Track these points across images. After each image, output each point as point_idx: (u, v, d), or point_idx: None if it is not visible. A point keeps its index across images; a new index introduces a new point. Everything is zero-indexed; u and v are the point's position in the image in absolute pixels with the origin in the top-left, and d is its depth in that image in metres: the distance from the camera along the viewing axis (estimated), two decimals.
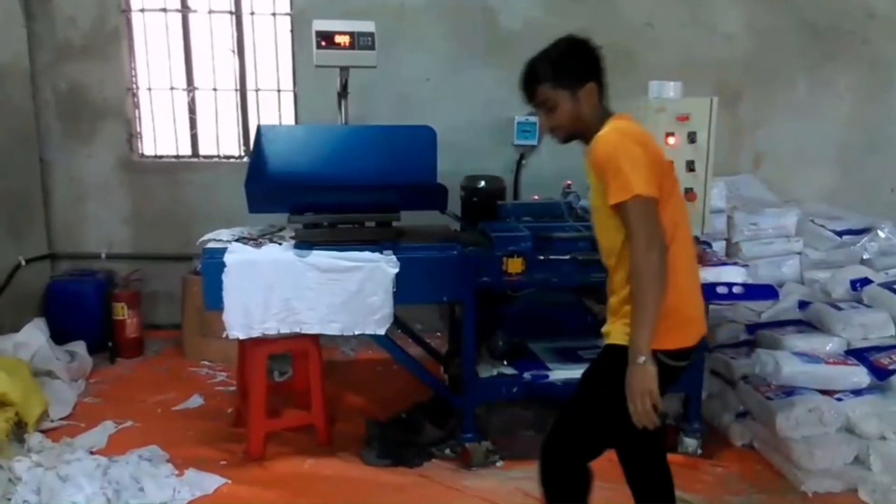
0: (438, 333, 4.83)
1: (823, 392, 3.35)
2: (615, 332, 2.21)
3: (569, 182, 4.21)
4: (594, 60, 2.28)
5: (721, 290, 3.14)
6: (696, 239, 3.52)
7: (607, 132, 2.15)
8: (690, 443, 3.52)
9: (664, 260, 2.05)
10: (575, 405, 2.35)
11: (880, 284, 3.90)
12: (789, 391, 3.37)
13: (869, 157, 5.38)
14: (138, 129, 5.20)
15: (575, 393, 2.36)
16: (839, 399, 3.32)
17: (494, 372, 3.50)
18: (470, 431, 3.43)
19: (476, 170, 4.37)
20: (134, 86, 5.13)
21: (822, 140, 5.35)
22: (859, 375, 3.37)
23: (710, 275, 3.17)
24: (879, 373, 3.35)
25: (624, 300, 2.16)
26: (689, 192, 3.46)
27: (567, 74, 2.24)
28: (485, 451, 3.42)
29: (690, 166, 3.46)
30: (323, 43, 3.68)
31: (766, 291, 3.19)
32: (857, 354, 3.48)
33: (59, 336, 4.37)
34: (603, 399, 2.21)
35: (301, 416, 3.70)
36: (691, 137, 3.44)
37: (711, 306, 3.43)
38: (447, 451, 3.52)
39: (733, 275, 3.20)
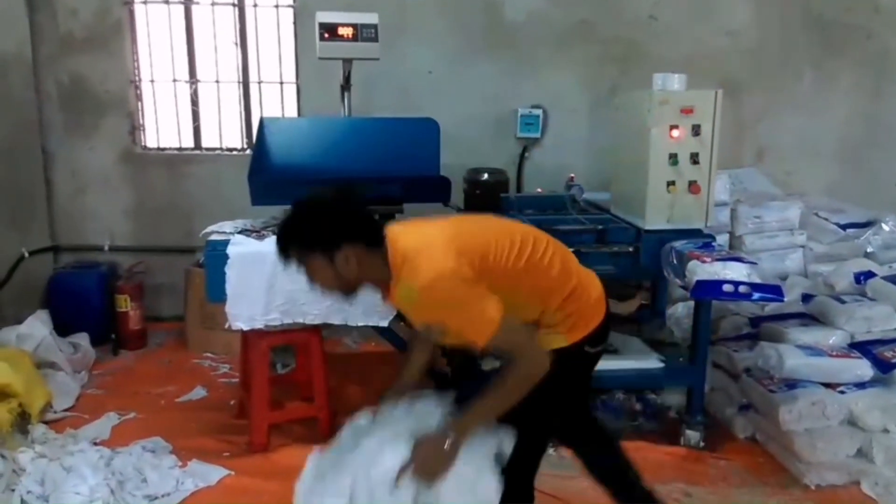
0: None
1: (826, 385, 3.35)
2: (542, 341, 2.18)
3: (572, 175, 4.22)
4: (344, 223, 2.06)
5: (727, 287, 3.09)
6: (699, 232, 3.53)
7: (421, 283, 1.97)
8: (693, 435, 3.53)
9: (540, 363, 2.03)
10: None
11: (884, 278, 3.89)
12: (792, 384, 3.36)
13: (873, 151, 5.36)
14: (141, 122, 5.19)
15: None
16: (842, 392, 3.32)
17: (497, 364, 3.49)
18: None
19: (479, 162, 4.37)
20: (136, 78, 5.13)
21: (827, 133, 5.34)
22: (862, 368, 3.36)
23: (716, 268, 3.14)
24: (883, 366, 3.35)
25: (549, 323, 2.20)
26: (693, 185, 3.47)
27: (314, 240, 2.06)
28: None
29: (694, 159, 3.45)
30: (326, 35, 3.67)
31: (772, 291, 3.13)
32: (861, 347, 3.48)
33: (63, 328, 4.37)
34: (539, 401, 2.15)
35: (304, 408, 3.70)
36: (695, 130, 3.44)
37: (714, 301, 3.43)
38: None
39: (739, 271, 3.15)
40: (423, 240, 2.09)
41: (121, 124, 5.10)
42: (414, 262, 2.01)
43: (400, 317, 3.26)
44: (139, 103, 5.17)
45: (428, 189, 3.49)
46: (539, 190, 4.50)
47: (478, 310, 1.98)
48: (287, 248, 2.09)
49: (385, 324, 3.35)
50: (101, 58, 4.99)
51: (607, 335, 2.38)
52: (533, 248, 2.18)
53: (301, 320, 3.33)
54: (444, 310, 2.00)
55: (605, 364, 3.53)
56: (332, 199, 2.11)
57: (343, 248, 2.03)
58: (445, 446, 2.02)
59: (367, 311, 3.32)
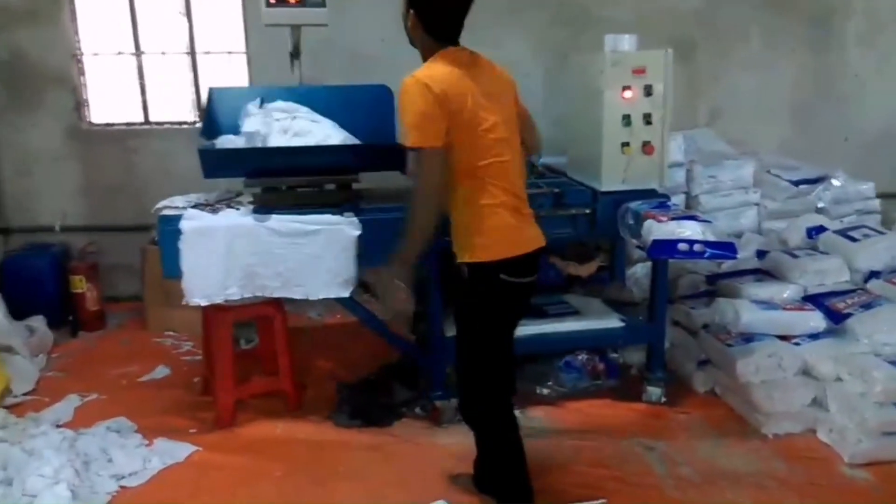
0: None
1: (782, 338, 3.44)
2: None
3: None
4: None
5: (682, 246, 3.12)
6: (654, 192, 3.56)
7: (407, 79, 2.33)
8: (654, 391, 3.60)
9: (431, 209, 2.34)
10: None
11: (835, 232, 3.98)
12: (749, 338, 3.45)
13: (823, 108, 5.45)
14: (85, 97, 5.05)
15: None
16: (797, 344, 3.40)
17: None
18: (440, 389, 3.45)
19: None
20: (79, 52, 4.97)
21: (777, 92, 5.41)
22: (816, 320, 3.45)
23: (671, 227, 3.17)
24: (835, 317, 3.44)
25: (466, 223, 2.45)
26: (647, 145, 3.47)
27: None
28: (455, 408, 3.43)
29: (647, 119, 3.45)
30: (272, 1, 3.59)
31: (726, 248, 3.18)
32: (814, 300, 3.57)
33: (17, 311, 4.27)
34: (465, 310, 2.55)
35: (269, 382, 3.69)
36: (647, 90, 3.43)
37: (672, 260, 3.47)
38: (418, 409, 3.55)
39: (695, 230, 3.17)
40: (440, 60, 2.40)
41: (65, 100, 4.95)
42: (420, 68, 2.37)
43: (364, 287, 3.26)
44: (82, 77, 5.02)
45: (384, 157, 3.44)
46: None
47: (418, 120, 2.29)
48: None
49: (346, 294, 3.32)
50: (42, 31, 4.81)
51: (529, 270, 2.48)
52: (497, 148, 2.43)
53: (260, 294, 3.28)
54: (403, 108, 2.33)
55: (567, 325, 3.64)
56: None
57: (412, 12, 2.41)
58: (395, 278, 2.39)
59: (327, 283, 3.28)
